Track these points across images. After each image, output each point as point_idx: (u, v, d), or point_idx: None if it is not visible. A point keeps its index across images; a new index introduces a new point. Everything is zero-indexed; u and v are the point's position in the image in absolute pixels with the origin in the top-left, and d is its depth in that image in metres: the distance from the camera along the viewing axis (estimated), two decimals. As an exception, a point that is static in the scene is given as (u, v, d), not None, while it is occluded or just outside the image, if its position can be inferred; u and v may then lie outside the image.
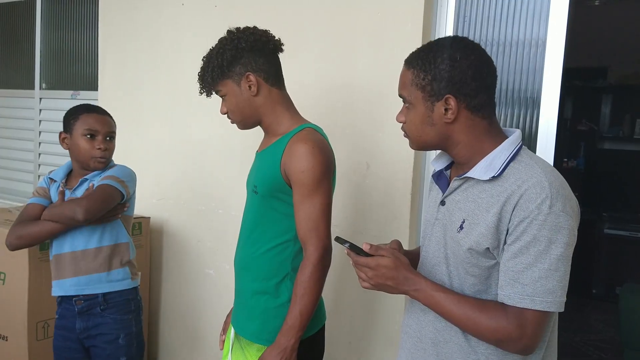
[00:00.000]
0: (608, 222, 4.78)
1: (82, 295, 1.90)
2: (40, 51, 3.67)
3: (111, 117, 1.99)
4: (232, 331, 1.68)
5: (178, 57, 2.77)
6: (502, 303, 1.07)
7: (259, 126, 1.63)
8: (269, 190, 1.52)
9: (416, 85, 1.14)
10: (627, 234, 4.65)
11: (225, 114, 1.61)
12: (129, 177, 1.94)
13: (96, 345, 1.92)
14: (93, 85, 3.23)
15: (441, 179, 1.27)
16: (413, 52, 1.20)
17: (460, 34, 2.07)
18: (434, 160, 1.31)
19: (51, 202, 1.93)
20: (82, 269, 1.91)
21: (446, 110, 1.12)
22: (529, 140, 1.96)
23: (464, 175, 1.15)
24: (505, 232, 1.07)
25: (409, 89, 1.16)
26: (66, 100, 3.49)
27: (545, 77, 1.91)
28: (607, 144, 5.20)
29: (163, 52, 2.83)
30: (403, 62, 1.20)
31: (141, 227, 2.74)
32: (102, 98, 3.11)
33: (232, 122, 1.63)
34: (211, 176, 2.68)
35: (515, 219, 1.05)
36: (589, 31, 4.58)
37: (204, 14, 2.65)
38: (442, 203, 1.22)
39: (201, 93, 1.60)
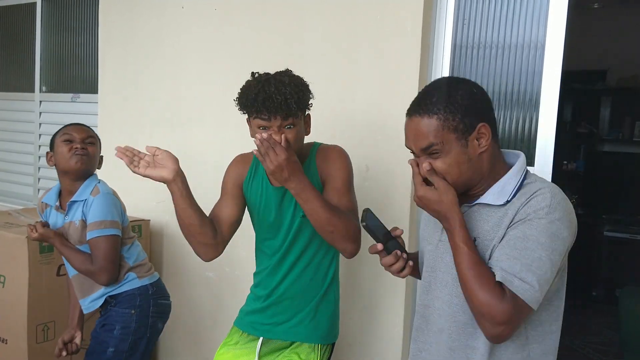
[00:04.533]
0: (608, 224, 4.77)
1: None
2: (41, 54, 3.67)
3: (91, 129, 2.08)
4: (259, 342, 1.71)
5: (178, 60, 2.77)
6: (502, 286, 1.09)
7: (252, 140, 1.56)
8: None
9: (448, 129, 1.13)
10: (627, 236, 4.64)
11: (285, 140, 1.48)
12: (109, 209, 1.93)
13: (98, 330, 2.00)
14: (93, 88, 3.23)
15: None
16: (417, 101, 1.18)
17: (459, 37, 2.09)
18: None
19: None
20: (83, 292, 2.02)
21: (478, 139, 1.14)
22: (528, 143, 1.95)
23: (477, 202, 1.19)
24: None
25: (441, 134, 1.13)
26: (66, 103, 3.50)
27: (544, 80, 1.92)
28: (607, 146, 5.20)
29: (163, 55, 2.84)
30: (408, 116, 1.19)
31: (141, 230, 2.74)
32: (102, 101, 3.11)
33: (287, 149, 1.46)
34: (211, 179, 2.67)
35: (514, 222, 1.12)
36: (588, 34, 4.59)
37: (203, 17, 2.66)
38: None
39: (274, 113, 1.48)
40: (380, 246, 1.21)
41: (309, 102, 1.59)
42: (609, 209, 4.92)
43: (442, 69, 2.11)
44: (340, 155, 1.63)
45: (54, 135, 2.04)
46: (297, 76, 1.59)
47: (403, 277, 1.27)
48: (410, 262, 1.26)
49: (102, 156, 2.10)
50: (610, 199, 5.02)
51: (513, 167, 1.19)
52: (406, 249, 1.32)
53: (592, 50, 4.73)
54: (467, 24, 2.08)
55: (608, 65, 4.95)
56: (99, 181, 2.02)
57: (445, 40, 2.10)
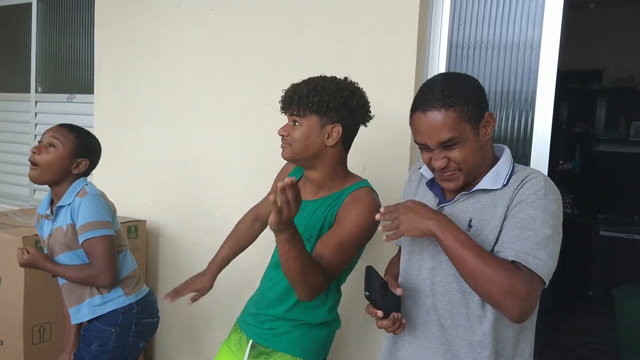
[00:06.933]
0: (604, 224, 4.78)
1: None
2: (36, 54, 3.66)
3: (63, 126, 1.91)
4: (248, 344, 1.66)
5: (174, 60, 2.77)
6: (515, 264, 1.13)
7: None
8: None
9: (465, 120, 1.18)
10: (623, 236, 4.65)
11: (284, 135, 1.51)
12: (98, 210, 1.84)
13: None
14: (89, 89, 3.23)
15: (435, 185, 1.33)
16: (427, 97, 1.20)
17: (455, 36, 2.10)
18: (424, 168, 1.35)
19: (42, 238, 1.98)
20: (71, 300, 1.94)
21: (486, 127, 1.21)
22: (524, 143, 1.96)
23: (475, 189, 1.23)
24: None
25: (459, 126, 1.17)
26: (62, 103, 3.49)
27: (540, 80, 1.92)
28: (603, 146, 5.22)
29: (159, 55, 2.83)
30: (422, 112, 1.19)
31: (137, 231, 2.74)
32: (98, 101, 3.11)
33: (284, 145, 1.52)
34: (207, 179, 2.68)
35: (513, 204, 1.18)
36: (584, 34, 4.60)
37: (200, 17, 2.65)
38: (441, 209, 1.28)
39: (283, 109, 1.53)
40: (380, 313, 1.21)
41: (333, 110, 1.47)
42: (605, 209, 4.94)
43: (438, 69, 2.11)
44: (365, 207, 1.45)
45: None
46: (342, 82, 1.52)
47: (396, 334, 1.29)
48: (404, 320, 1.25)
49: (82, 160, 1.90)
50: (606, 198, 5.03)
51: (503, 157, 1.26)
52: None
53: (587, 50, 4.74)
54: (463, 23, 2.08)
55: (604, 65, 4.96)
56: (87, 183, 1.91)
57: (441, 40, 2.11)
